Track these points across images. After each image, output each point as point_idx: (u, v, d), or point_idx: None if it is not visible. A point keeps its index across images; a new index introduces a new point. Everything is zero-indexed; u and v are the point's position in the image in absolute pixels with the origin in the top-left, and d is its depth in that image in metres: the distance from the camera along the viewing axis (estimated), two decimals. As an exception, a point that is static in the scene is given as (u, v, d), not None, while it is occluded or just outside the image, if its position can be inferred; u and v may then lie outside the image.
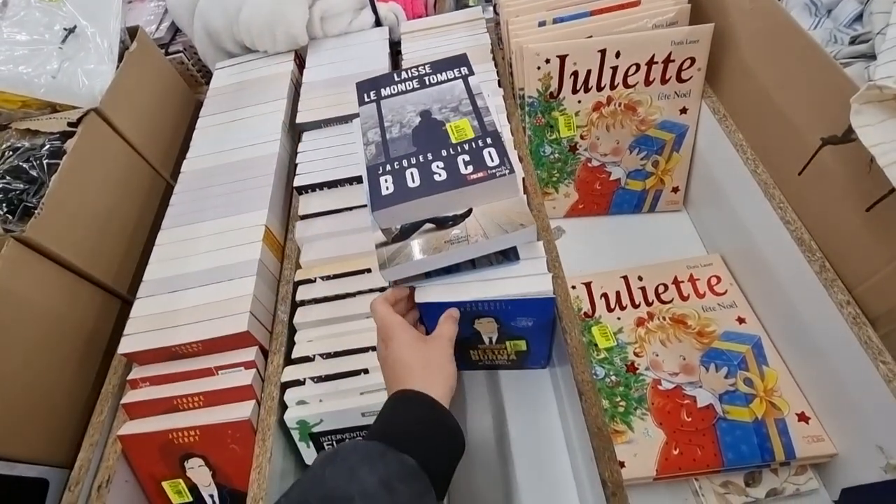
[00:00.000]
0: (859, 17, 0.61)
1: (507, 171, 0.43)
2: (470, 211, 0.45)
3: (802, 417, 0.50)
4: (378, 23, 0.78)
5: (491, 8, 1.07)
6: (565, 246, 0.73)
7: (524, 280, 0.46)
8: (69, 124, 0.57)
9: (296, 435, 0.48)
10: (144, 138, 0.68)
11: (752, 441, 0.49)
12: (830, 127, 0.46)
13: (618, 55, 0.61)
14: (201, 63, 0.85)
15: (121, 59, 0.67)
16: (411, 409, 0.37)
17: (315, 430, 0.48)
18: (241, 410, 0.47)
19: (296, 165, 0.63)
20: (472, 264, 0.46)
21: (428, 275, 0.46)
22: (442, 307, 0.47)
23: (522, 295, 0.46)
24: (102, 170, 0.60)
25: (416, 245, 0.44)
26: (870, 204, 0.42)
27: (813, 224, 0.49)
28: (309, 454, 0.50)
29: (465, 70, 0.53)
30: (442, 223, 0.44)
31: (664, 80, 0.63)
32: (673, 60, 0.61)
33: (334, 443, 0.49)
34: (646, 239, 0.72)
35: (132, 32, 0.71)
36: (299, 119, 0.67)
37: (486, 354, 0.55)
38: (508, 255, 0.46)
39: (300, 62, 0.78)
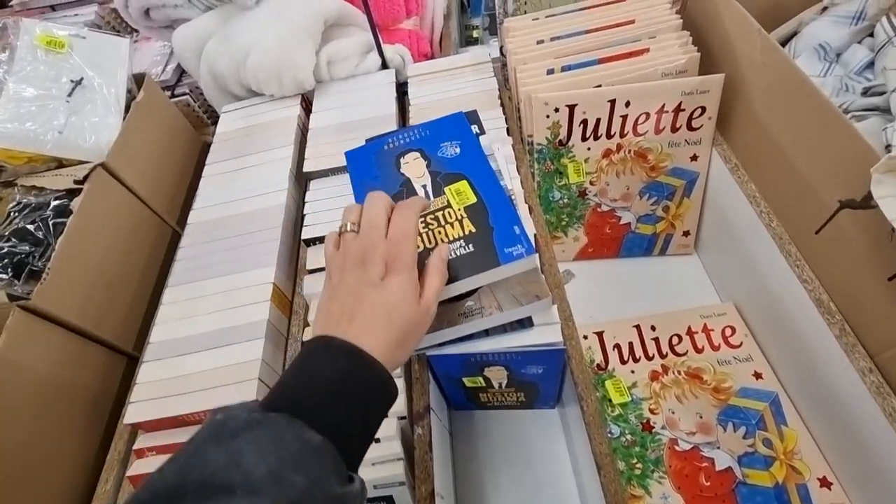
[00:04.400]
0: (870, 65, 0.61)
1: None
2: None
3: (824, 482, 0.49)
4: (384, 65, 0.78)
5: (497, 46, 1.08)
6: (575, 290, 0.72)
7: (534, 330, 0.46)
8: (75, 182, 0.56)
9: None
10: (151, 188, 0.67)
11: (773, 508, 0.48)
12: (847, 189, 0.46)
13: (627, 104, 0.61)
14: (207, 104, 0.85)
15: (128, 107, 0.67)
16: (330, 362, 0.31)
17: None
18: (250, 482, 0.45)
19: (304, 216, 0.63)
20: (486, 332, 0.45)
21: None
22: (452, 359, 0.47)
23: (532, 346, 0.45)
24: (109, 226, 0.59)
25: (429, 318, 0.43)
26: (892, 274, 0.42)
27: (832, 285, 0.48)
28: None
29: (476, 129, 0.52)
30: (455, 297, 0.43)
31: (674, 129, 0.62)
32: (683, 110, 0.61)
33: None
34: (657, 283, 0.71)
35: (139, 80, 0.71)
36: (306, 167, 0.66)
37: (495, 397, 0.56)
38: (522, 322, 0.45)
39: (307, 105, 0.77)
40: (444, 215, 0.43)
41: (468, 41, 1.17)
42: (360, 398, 0.31)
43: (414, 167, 0.48)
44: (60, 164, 0.61)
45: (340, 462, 0.28)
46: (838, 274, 0.48)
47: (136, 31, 0.89)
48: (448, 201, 0.44)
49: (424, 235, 0.42)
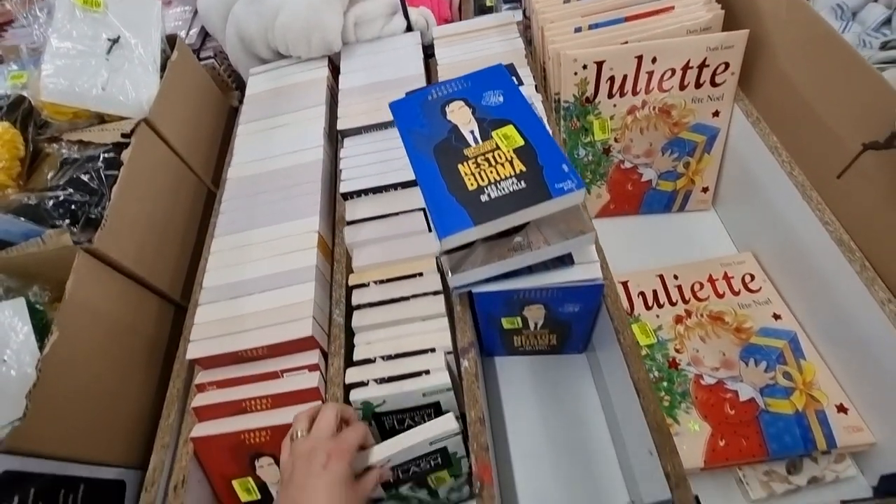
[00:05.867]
0: (888, 21, 0.64)
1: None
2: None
3: (841, 408, 0.53)
4: (409, 27, 0.80)
5: (520, 12, 1.09)
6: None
7: (575, 268, 0.48)
8: (123, 135, 0.58)
9: (359, 416, 0.50)
10: (188, 146, 0.69)
11: (794, 432, 0.52)
12: (870, 133, 0.48)
13: (654, 60, 0.63)
14: (231, 68, 0.86)
15: (162, 68, 0.68)
16: None
17: (378, 409, 0.50)
18: (309, 411, 0.48)
19: (339, 171, 0.65)
20: (529, 269, 0.48)
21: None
22: (496, 296, 0.50)
23: (573, 282, 0.48)
24: (155, 179, 0.61)
25: (480, 252, 0.45)
26: (913, 206, 0.45)
27: (852, 225, 0.51)
28: (373, 433, 0.51)
29: (515, 80, 0.54)
30: (505, 232, 0.46)
31: (698, 85, 0.64)
32: (708, 65, 0.63)
33: (395, 423, 0.51)
34: (676, 238, 0.74)
35: (170, 41, 0.72)
36: (340, 126, 0.68)
37: (528, 340, 0.59)
38: (563, 260, 0.48)
39: (333, 67, 0.79)
40: (493, 156, 0.45)
41: (482, 10, 1.17)
42: None
43: (460, 115, 0.50)
44: (102, 119, 0.62)
45: None
46: (858, 214, 0.51)
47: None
48: (497, 144, 0.46)
49: (475, 175, 0.44)
